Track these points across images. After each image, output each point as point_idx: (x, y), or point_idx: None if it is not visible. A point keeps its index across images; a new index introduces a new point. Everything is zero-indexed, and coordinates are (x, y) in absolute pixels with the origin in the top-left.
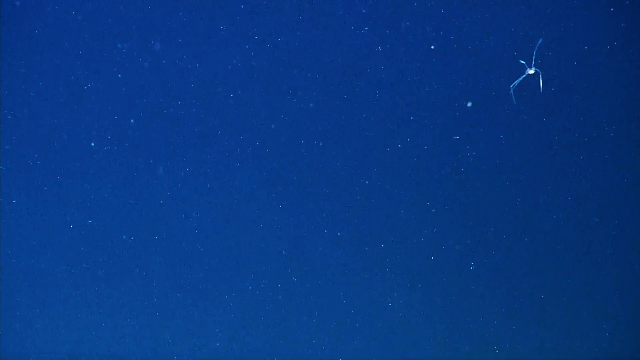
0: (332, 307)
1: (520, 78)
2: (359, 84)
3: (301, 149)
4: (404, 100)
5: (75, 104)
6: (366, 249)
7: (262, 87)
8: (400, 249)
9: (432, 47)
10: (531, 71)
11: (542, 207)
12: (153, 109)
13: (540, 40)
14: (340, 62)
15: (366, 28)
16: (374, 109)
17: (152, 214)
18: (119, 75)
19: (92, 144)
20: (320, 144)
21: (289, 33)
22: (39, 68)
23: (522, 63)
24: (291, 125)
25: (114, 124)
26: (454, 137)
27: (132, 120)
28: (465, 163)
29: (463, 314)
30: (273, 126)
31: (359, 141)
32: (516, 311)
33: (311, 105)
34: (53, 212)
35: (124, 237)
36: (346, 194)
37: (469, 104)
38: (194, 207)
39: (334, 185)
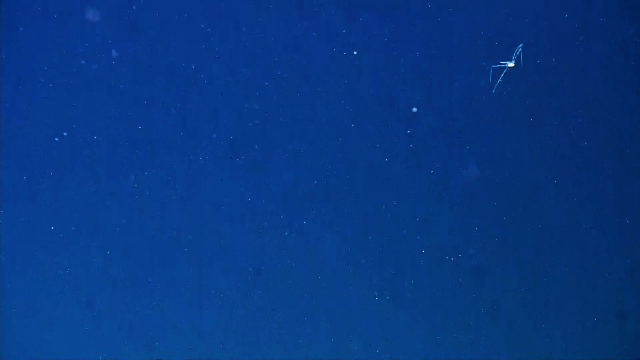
0: (324, 306)
1: (502, 73)
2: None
3: (287, 147)
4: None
5: (67, 100)
6: (357, 245)
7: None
8: (390, 245)
9: (355, 52)
10: (511, 64)
11: (536, 205)
12: (149, 108)
13: (521, 45)
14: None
15: (344, 30)
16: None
17: (152, 213)
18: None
19: (95, 140)
20: (305, 144)
21: (247, 35)
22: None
23: (502, 63)
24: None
25: (106, 123)
26: (407, 131)
27: (120, 122)
28: (462, 161)
29: (456, 313)
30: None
31: (345, 138)
32: (512, 310)
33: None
34: (52, 212)
35: (124, 237)
36: (330, 192)
37: (414, 110)
38: (191, 207)
39: (317, 184)
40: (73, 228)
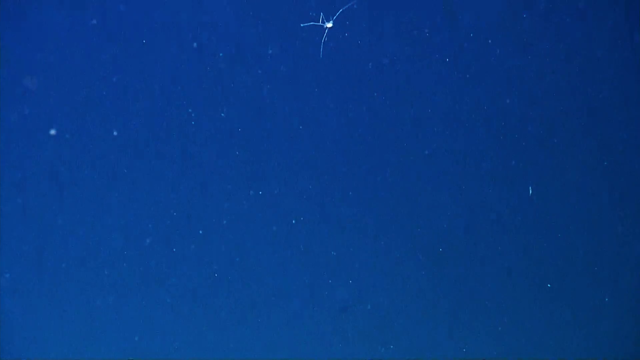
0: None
1: (325, 34)
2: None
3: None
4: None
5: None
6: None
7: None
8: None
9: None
10: (329, 25)
11: (536, 204)
12: (155, 108)
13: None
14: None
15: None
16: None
17: (152, 214)
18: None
19: (93, 143)
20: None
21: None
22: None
23: (326, 25)
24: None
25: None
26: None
27: (129, 122)
28: (464, 160)
29: (458, 311)
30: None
31: (346, 137)
32: (512, 310)
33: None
34: (53, 212)
35: (125, 237)
36: (330, 187)
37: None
38: (189, 207)
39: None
40: (74, 226)
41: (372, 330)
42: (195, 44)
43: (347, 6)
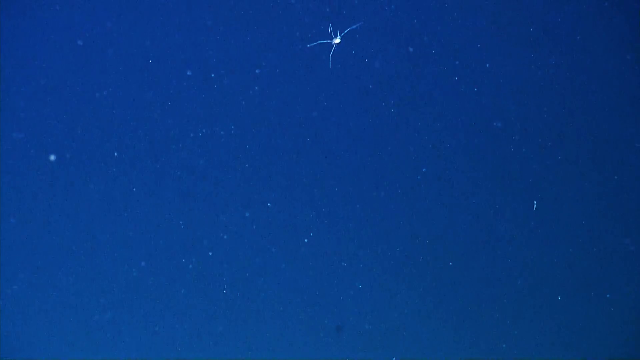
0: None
1: (331, 50)
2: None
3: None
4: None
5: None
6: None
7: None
8: (398, 248)
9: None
10: (337, 40)
11: (539, 205)
12: (157, 110)
13: (360, 24)
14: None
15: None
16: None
17: (152, 214)
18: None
19: (97, 145)
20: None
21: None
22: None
23: (334, 41)
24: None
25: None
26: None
27: (128, 125)
28: (469, 173)
29: (460, 314)
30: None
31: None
32: (514, 311)
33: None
34: (53, 212)
35: (125, 237)
36: (334, 193)
37: None
38: (188, 209)
39: (323, 185)
40: (74, 227)
41: (375, 344)
42: (194, 59)
43: (354, 26)
